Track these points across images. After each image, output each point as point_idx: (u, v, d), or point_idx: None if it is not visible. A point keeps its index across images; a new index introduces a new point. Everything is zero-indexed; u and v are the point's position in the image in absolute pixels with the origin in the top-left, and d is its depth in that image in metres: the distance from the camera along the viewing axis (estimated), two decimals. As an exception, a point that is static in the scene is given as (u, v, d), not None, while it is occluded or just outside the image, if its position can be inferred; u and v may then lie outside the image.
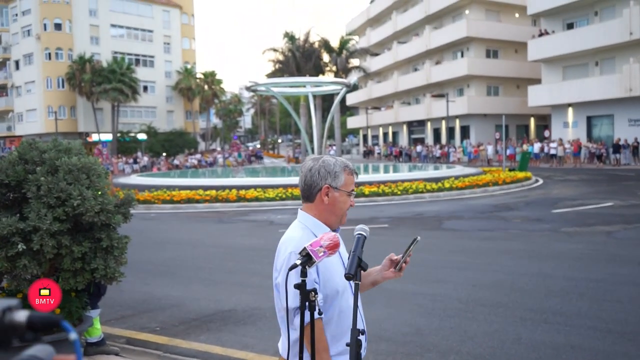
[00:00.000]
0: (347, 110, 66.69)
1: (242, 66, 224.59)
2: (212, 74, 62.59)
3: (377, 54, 54.06)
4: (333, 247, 1.75)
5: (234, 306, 6.21)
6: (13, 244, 3.75)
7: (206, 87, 62.20)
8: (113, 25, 55.22)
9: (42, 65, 51.48)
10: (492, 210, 14.34)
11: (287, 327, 1.89)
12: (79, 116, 53.33)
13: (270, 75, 46.85)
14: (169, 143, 54.11)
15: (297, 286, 1.72)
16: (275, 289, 2.01)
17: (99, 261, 3.98)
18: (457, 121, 44.86)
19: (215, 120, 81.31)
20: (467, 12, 43.27)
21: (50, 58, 51.28)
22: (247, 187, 18.33)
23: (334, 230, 2.05)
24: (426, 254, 8.81)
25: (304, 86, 29.70)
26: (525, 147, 34.90)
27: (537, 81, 38.46)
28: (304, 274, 1.71)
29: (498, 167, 27.80)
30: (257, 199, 16.99)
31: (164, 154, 48.63)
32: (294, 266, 1.72)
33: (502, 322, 5.34)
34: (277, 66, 45.90)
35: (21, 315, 0.86)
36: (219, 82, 63.56)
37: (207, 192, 17.55)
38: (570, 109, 35.24)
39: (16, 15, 54.34)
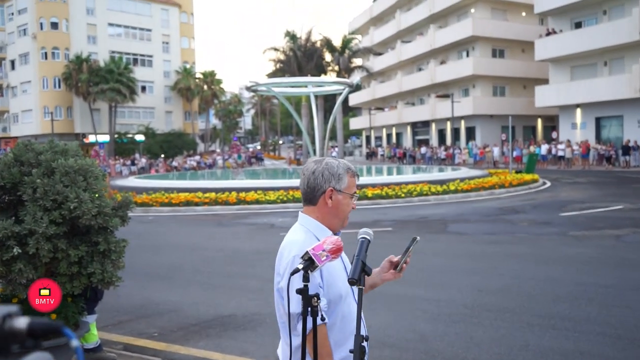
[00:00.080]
0: (349, 110, 66.70)
1: (242, 66, 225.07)
2: (212, 74, 62.67)
3: (380, 54, 54.07)
4: (336, 251, 1.75)
5: (233, 311, 6.21)
6: (8, 248, 3.76)
7: (205, 87, 62.29)
8: (111, 24, 55.36)
9: (38, 65, 51.62)
10: (499, 213, 14.32)
11: (289, 333, 1.89)
12: (75, 117, 53.43)
13: (271, 75, 46.90)
14: (167, 144, 54.17)
15: (299, 291, 1.72)
16: (277, 294, 2.01)
17: (96, 265, 3.99)
18: (463, 122, 44.85)
19: (214, 121, 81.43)
20: (472, 10, 43.29)
21: (46, 58, 51.43)
22: (247, 190, 18.32)
23: (335, 234, 2.06)
24: (431, 257, 8.80)
25: (306, 86, 29.71)
26: (532, 148, 34.87)
27: (545, 81, 38.44)
28: (306, 278, 1.71)
29: (504, 169, 27.78)
30: (257, 202, 16.99)
31: (162, 156, 48.68)
32: (296, 270, 1.72)
33: (509, 327, 5.33)
34: (278, 66, 45.96)
35: (21, 322, 0.86)
36: (219, 82, 63.63)
37: (206, 195, 17.55)
38: (578, 110, 35.21)
39: (12, 14, 54.51)
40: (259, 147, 71.60)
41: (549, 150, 34.50)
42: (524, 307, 5.95)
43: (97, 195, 4.01)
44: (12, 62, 55.65)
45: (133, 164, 44.34)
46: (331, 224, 2.07)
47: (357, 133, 69.98)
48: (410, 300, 6.38)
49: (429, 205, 16.75)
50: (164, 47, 59.19)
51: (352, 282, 1.77)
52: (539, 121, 44.59)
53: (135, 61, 56.26)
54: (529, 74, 42.38)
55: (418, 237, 2.12)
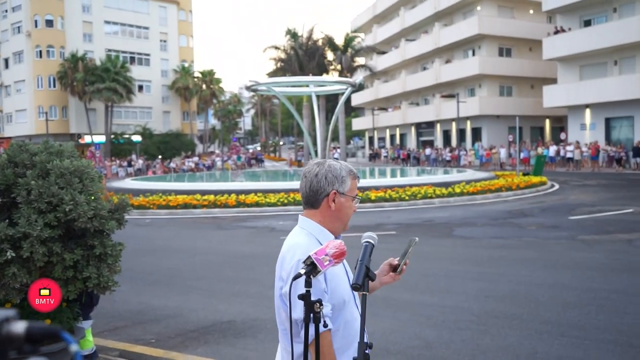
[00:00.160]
0: (352, 111, 66.76)
1: (242, 65, 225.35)
2: (211, 73, 62.77)
3: (383, 52, 54.12)
4: (339, 256, 1.75)
5: (233, 317, 6.21)
6: (2, 252, 3.76)
7: (204, 86, 62.38)
8: (107, 22, 55.48)
9: (33, 64, 51.74)
10: (506, 216, 14.31)
11: (291, 340, 1.88)
12: (70, 117, 53.53)
13: (271, 74, 46.98)
14: (165, 145, 54.23)
15: (301, 297, 1.72)
16: (280, 300, 2.00)
17: (91, 269, 3.99)
18: (468, 123, 44.84)
19: (213, 122, 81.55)
20: (478, 8, 43.32)
21: (41, 56, 51.54)
22: (247, 192, 18.34)
23: (336, 237, 2.06)
24: (436, 262, 8.79)
25: (307, 86, 29.75)
26: (540, 150, 34.84)
27: (553, 81, 38.43)
28: (308, 283, 1.71)
29: (511, 172, 27.76)
30: (257, 204, 17.01)
31: (160, 157, 48.70)
32: (298, 275, 1.72)
33: (516, 335, 5.33)
34: (278, 65, 46.05)
35: (19, 327, 0.86)
36: (218, 81, 63.72)
37: (205, 197, 17.57)
38: (587, 110, 35.19)
39: (6, 11, 54.65)
40: (259, 148, 71.68)
41: (558, 152, 34.47)
42: (532, 314, 5.94)
43: (93, 197, 4.01)
44: (6, 61, 55.77)
45: (130, 165, 44.38)
46: (333, 227, 2.07)
47: (360, 134, 70.03)
48: (415, 306, 6.38)
49: (434, 208, 16.74)
50: (161, 45, 59.31)
51: (355, 287, 1.77)
52: (547, 122, 44.57)
53: (132, 60, 56.36)
54: (537, 74, 42.37)
55: (417, 239, 2.14)
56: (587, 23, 35.32)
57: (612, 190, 20.26)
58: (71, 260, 3.92)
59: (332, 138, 30.17)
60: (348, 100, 47.01)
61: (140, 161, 45.73)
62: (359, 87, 42.50)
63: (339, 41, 44.97)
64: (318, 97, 30.68)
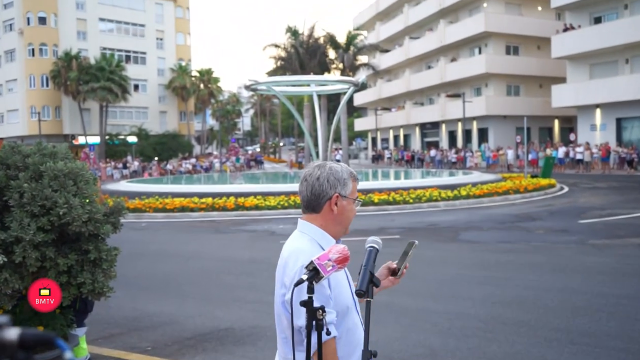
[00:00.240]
0: (354, 111, 66.78)
1: (241, 63, 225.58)
2: (209, 72, 62.85)
3: (387, 51, 54.17)
4: (343, 261, 1.75)
5: (231, 324, 6.21)
6: (-6, 256, 3.76)
7: (202, 85, 62.46)
8: (102, 19, 55.59)
9: (25, 62, 51.82)
10: (513, 220, 14.31)
11: (293, 348, 1.88)
12: (64, 117, 53.60)
13: (271, 73, 47.01)
14: (161, 146, 54.28)
15: (303, 303, 1.71)
16: (281, 307, 1.99)
17: (86, 275, 3.99)
18: (475, 123, 44.84)
19: (211, 122, 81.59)
20: (485, 4, 43.35)
21: (33, 54, 51.63)
22: (246, 195, 18.35)
23: (337, 242, 2.07)
24: (441, 267, 8.79)
25: (308, 85, 29.76)
26: (548, 151, 34.82)
27: (562, 80, 38.43)
28: (310, 289, 1.71)
29: (519, 174, 27.74)
30: (256, 208, 17.01)
31: (156, 158, 48.74)
32: (300, 281, 1.72)
33: (525, 342, 5.32)
34: (279, 63, 46.10)
35: (12, 333, 0.86)
36: (216, 80, 63.81)
37: (203, 200, 17.58)
38: (598, 110, 35.17)
39: (-3, 8, 54.79)
40: (258, 150, 71.71)
41: (567, 153, 34.45)
42: (541, 321, 5.93)
43: (87, 200, 4.01)
44: (-3, 59, 55.90)
45: (125, 167, 44.40)
46: (334, 231, 2.07)
47: (363, 135, 70.03)
48: (419, 312, 6.37)
49: (439, 211, 16.73)
50: (158, 43, 59.39)
51: (360, 294, 1.76)
52: (556, 122, 44.56)
53: (127, 58, 56.45)
54: (545, 72, 42.38)
55: (416, 242, 2.14)
56: (598, 20, 35.32)
57: (624, 193, 20.24)
58: (65, 265, 3.92)
59: (333, 139, 30.12)
60: (350, 100, 46.98)
61: (136, 163, 45.76)
62: (361, 87, 42.36)
63: (341, 39, 45.07)
64: (319, 96, 30.69)
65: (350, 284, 2.06)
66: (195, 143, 67.93)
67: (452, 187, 19.57)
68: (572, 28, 35.70)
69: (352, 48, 44.49)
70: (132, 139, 53.17)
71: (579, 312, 6.19)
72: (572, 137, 36.88)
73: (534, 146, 37.02)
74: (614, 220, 13.49)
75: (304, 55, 43.37)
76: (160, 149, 53.69)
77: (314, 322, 1.71)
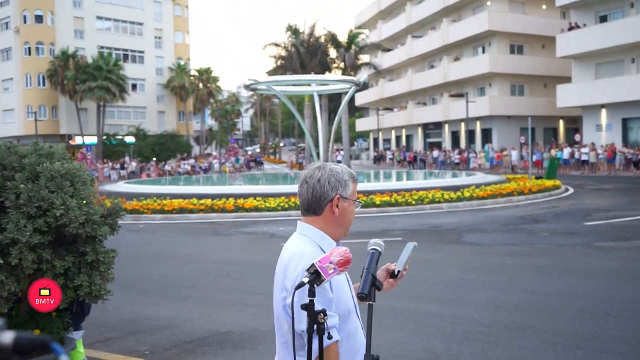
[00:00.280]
0: (356, 111, 66.78)
1: (240, 63, 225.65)
2: (208, 71, 62.90)
3: (389, 50, 54.16)
4: (344, 264, 1.75)
5: (231, 328, 6.21)
6: (-11, 258, 3.76)
7: (201, 85, 62.51)
8: (99, 18, 55.64)
9: (21, 61, 51.87)
10: (517, 222, 14.30)
11: (293, 353, 1.87)
12: (61, 117, 53.64)
13: (271, 73, 47.02)
14: (159, 147, 54.31)
15: (304, 307, 1.71)
16: (282, 310, 1.99)
17: (83, 277, 3.99)
18: (478, 123, 44.83)
19: (210, 122, 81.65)
20: (488, 3, 43.35)
21: (29, 53, 51.68)
22: (246, 196, 18.36)
23: (337, 244, 2.06)
24: (444, 270, 8.78)
25: (309, 84, 29.77)
26: (553, 152, 34.82)
27: (567, 80, 38.42)
28: (311, 293, 1.71)
29: (523, 175, 27.73)
30: (256, 209, 17.01)
31: (154, 159, 48.79)
32: (301, 284, 1.72)
33: (529, 347, 5.31)
34: (279, 62, 46.09)
35: (7, 337, 0.86)
36: (215, 79, 63.88)
37: (202, 201, 17.58)
38: (603, 111, 35.16)
39: (-7, 6, 54.87)
40: (258, 150, 71.76)
41: (572, 154, 34.44)
42: (546, 325, 5.92)
43: (84, 201, 4.01)
44: (-7, 58, 55.98)
45: (123, 167, 44.44)
46: (335, 233, 2.08)
47: (364, 135, 70.07)
48: (422, 316, 6.37)
49: (442, 213, 16.73)
50: (156, 42, 59.44)
51: (362, 297, 1.76)
52: (561, 122, 44.54)
53: (125, 57, 56.49)
54: (550, 72, 42.36)
55: (415, 243, 2.15)
56: (603, 19, 35.32)
57: (630, 194, 20.22)
58: (62, 267, 3.92)
59: (335, 139, 30.15)
60: (352, 99, 47.05)
61: (134, 163, 45.79)
62: (363, 86, 42.42)
63: (343, 38, 44.98)
64: (320, 96, 30.72)
65: (350, 287, 2.06)
66: (194, 143, 67.97)
67: (455, 188, 19.56)
68: (578, 27, 35.69)
69: (353, 47, 44.45)
70: (130, 139, 53.20)
71: (584, 316, 6.19)
72: (577, 137, 36.87)
73: (539, 147, 37.00)
74: (619, 223, 13.48)
75: (305, 54, 43.35)
76: (159, 150, 53.73)
77: (315, 326, 1.70)
